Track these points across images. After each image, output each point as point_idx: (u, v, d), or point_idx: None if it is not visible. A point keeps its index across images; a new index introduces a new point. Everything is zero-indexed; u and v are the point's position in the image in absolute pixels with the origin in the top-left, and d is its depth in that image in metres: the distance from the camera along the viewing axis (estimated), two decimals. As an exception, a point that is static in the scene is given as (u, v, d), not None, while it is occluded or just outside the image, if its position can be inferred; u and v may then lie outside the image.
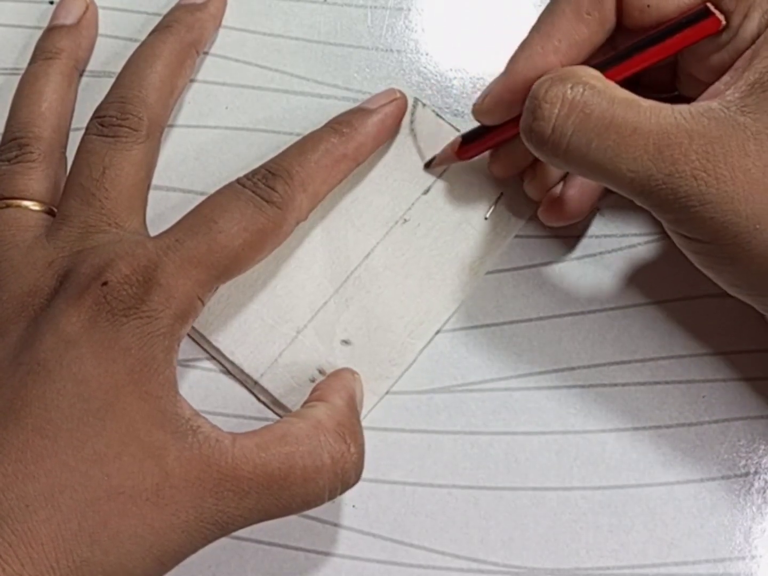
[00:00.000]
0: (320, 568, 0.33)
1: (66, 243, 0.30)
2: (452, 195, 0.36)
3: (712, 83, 0.31)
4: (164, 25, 0.35)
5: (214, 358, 0.35)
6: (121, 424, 0.27)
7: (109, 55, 0.37)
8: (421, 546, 0.34)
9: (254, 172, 0.31)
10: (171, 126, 0.37)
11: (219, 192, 0.31)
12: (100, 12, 0.37)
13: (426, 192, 0.36)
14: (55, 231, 0.31)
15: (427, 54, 0.38)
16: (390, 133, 0.35)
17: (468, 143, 0.34)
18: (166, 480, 0.27)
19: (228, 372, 0.35)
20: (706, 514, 0.34)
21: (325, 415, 0.30)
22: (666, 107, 0.28)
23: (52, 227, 0.31)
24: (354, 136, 0.33)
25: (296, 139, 0.35)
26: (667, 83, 0.34)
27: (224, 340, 0.34)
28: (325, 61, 0.37)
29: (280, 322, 0.35)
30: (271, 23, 0.38)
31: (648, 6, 0.30)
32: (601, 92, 0.28)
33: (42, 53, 0.35)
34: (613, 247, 0.36)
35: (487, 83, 0.36)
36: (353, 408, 0.31)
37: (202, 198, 0.35)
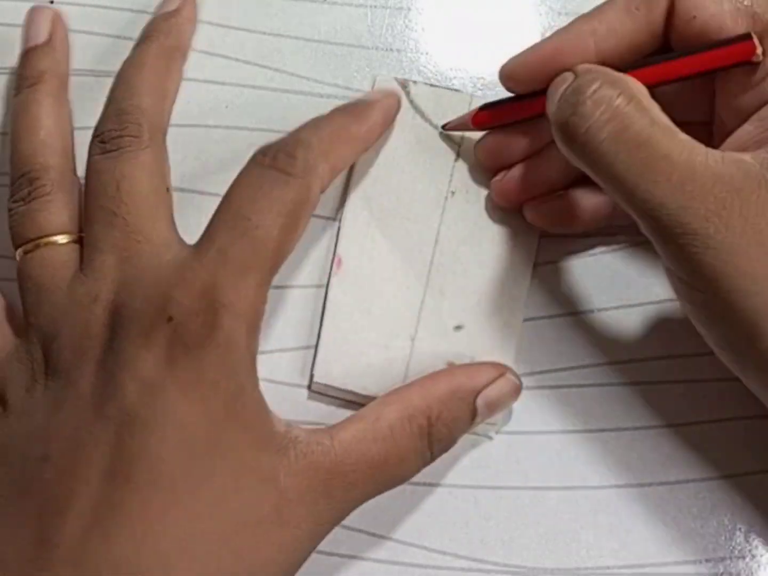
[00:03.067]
0: (320, 568, 0.33)
1: (102, 273, 0.29)
2: None
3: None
4: (144, 36, 0.35)
5: (351, 402, 0.35)
6: (230, 459, 0.27)
7: (106, 54, 0.37)
8: (421, 546, 0.33)
9: (271, 146, 0.30)
10: (171, 125, 0.36)
11: (242, 178, 0.30)
12: (97, 11, 0.37)
13: (457, 158, 0.36)
14: (89, 262, 0.30)
15: (427, 53, 0.38)
16: (389, 123, 0.35)
17: (484, 111, 0.34)
18: (282, 499, 0.27)
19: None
20: (707, 513, 0.34)
21: (417, 395, 0.30)
22: (700, 146, 0.28)
23: (86, 259, 0.30)
24: (364, 119, 0.33)
25: None
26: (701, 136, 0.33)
27: (353, 381, 0.34)
28: (325, 60, 0.37)
29: (393, 339, 0.34)
30: (271, 22, 0.38)
31: (694, 17, 0.30)
32: (645, 110, 0.28)
33: (25, 80, 0.34)
34: (613, 247, 0.36)
35: (487, 83, 0.37)
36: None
37: (202, 198, 0.36)
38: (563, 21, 0.37)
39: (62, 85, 0.35)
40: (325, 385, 0.34)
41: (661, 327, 0.35)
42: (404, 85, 0.36)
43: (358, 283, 0.35)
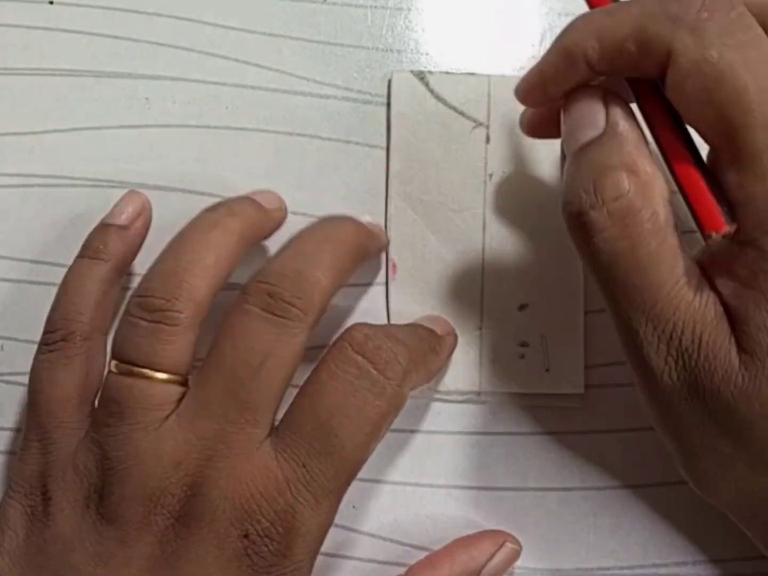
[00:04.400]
0: (320, 568, 0.33)
1: (200, 440, 0.27)
2: (513, 133, 0.36)
3: None
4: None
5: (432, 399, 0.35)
6: None
7: (106, 55, 0.37)
8: (421, 546, 0.33)
9: (360, 331, 0.28)
10: (170, 126, 0.36)
11: (336, 372, 0.27)
12: (96, 11, 0.37)
13: (488, 141, 0.36)
14: (190, 419, 0.27)
15: (427, 54, 0.37)
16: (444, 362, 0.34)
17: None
18: None
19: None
20: (709, 514, 0.33)
21: None
22: (694, 279, 0.26)
23: (186, 411, 0.28)
24: (439, 352, 0.32)
25: (295, 139, 0.36)
26: None
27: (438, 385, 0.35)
28: (325, 60, 0.37)
29: (462, 333, 0.35)
30: (270, 23, 0.37)
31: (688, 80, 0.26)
32: (660, 231, 0.26)
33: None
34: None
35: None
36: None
37: (201, 199, 0.36)
38: (564, 22, 0.37)
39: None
40: (423, 397, 0.35)
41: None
42: (422, 76, 0.36)
43: (416, 284, 0.35)
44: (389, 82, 0.37)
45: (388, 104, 0.36)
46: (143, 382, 0.28)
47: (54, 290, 0.35)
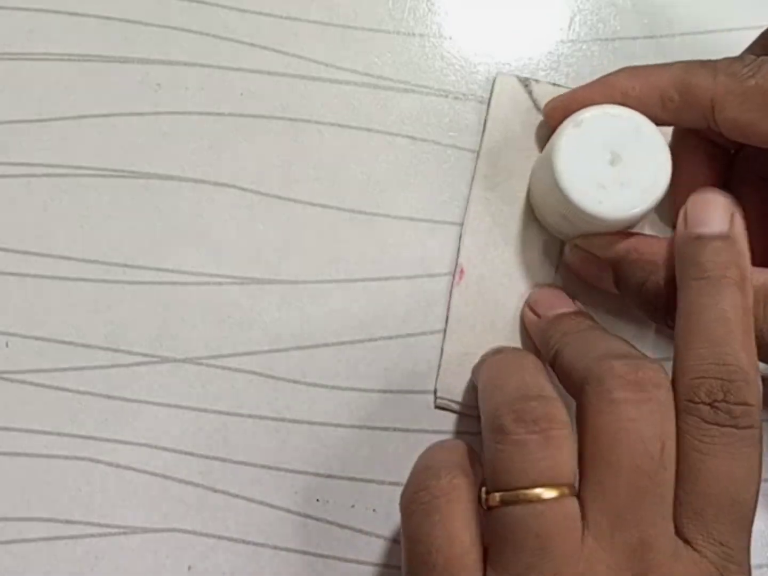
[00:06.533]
0: (341, 574, 0.33)
1: (629, 557, 0.25)
2: None
3: None
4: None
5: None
6: None
7: (117, 40, 0.36)
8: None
9: (706, 391, 0.26)
10: (182, 114, 0.36)
11: (711, 459, 0.26)
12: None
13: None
14: (609, 536, 0.26)
15: (450, 38, 0.37)
16: None
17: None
18: None
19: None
20: None
21: None
22: None
23: (599, 527, 0.26)
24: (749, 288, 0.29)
25: (313, 126, 0.35)
26: None
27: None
28: (345, 45, 0.36)
29: (524, 353, 0.33)
30: (288, 6, 0.37)
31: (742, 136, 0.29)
32: None
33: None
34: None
35: (513, 68, 0.36)
36: None
37: (215, 189, 0.35)
38: (588, 5, 0.37)
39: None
40: (449, 401, 0.34)
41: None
42: (526, 83, 0.35)
43: (480, 294, 0.34)
44: (493, 82, 0.36)
45: (488, 105, 0.35)
46: (542, 505, 0.25)
47: (59, 284, 0.34)
